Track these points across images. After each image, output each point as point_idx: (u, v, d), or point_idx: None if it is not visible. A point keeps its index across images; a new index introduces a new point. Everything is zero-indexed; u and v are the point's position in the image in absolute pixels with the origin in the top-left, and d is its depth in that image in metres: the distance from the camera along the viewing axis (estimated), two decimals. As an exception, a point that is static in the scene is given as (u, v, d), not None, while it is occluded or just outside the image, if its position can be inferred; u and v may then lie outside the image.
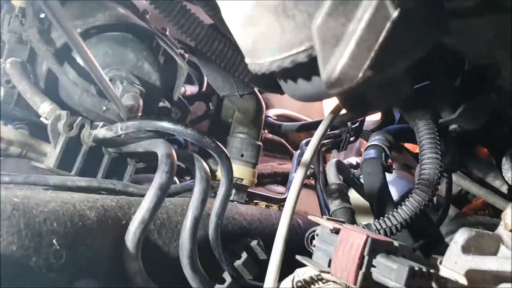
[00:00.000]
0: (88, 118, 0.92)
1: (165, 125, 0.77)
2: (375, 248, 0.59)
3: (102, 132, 0.89)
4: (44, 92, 0.97)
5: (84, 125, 0.90)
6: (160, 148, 0.79)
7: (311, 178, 1.55)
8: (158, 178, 0.74)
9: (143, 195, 0.75)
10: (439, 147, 0.81)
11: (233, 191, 1.11)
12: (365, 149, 1.09)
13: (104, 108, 0.93)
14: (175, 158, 0.77)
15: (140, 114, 0.96)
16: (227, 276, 0.82)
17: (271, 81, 0.63)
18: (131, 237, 0.71)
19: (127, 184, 0.88)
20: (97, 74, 0.83)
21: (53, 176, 0.83)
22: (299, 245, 0.81)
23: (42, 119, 0.94)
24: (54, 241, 0.62)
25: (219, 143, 0.79)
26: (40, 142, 0.95)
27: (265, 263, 0.78)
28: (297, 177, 0.81)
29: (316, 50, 0.43)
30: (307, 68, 0.47)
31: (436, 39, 0.55)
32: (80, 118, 0.90)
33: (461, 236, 0.64)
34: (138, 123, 0.82)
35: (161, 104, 1.05)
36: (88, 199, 0.73)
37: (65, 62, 0.99)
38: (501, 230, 0.64)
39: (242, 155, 1.16)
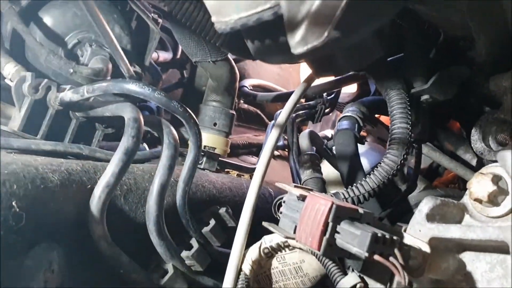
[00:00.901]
0: (55, 81, 0.90)
1: (132, 87, 0.75)
2: (340, 215, 0.59)
3: (68, 95, 0.86)
4: (9, 53, 0.94)
5: (50, 88, 0.87)
6: (127, 112, 0.77)
7: (286, 149, 1.55)
8: (124, 142, 0.73)
9: (109, 161, 0.74)
10: (409, 117, 0.81)
11: (204, 159, 1.10)
12: (339, 120, 1.09)
13: (71, 70, 0.90)
14: (142, 123, 0.76)
15: (109, 78, 0.94)
16: (194, 243, 0.82)
17: (240, 44, 0.62)
18: (95, 201, 0.70)
19: (94, 149, 0.86)
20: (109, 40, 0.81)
21: (17, 139, 0.81)
22: (269, 214, 0.81)
23: (6, 80, 0.91)
24: (13, 203, 0.60)
25: (187, 108, 0.77)
26: (5, 105, 0.92)
27: (233, 230, 0.78)
28: (267, 144, 0.81)
29: (282, 7, 0.42)
30: (273, 27, 0.46)
31: (402, 5, 0.54)
32: (46, 80, 0.87)
33: (426, 205, 0.64)
34: (104, 85, 0.79)
35: (131, 68, 1.03)
36: (52, 163, 0.72)
37: (31, 22, 0.96)
38: (466, 199, 0.65)
39: (215, 124, 1.14)
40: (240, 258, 0.76)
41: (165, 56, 1.32)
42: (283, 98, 1.52)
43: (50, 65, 0.90)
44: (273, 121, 1.38)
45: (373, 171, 0.79)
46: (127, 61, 0.89)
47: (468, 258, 0.61)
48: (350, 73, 1.23)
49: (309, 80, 0.82)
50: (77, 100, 0.84)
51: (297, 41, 0.42)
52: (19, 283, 0.62)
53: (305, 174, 1.04)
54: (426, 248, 0.61)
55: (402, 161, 0.78)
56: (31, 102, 0.86)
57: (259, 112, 1.74)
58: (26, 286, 0.62)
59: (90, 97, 0.84)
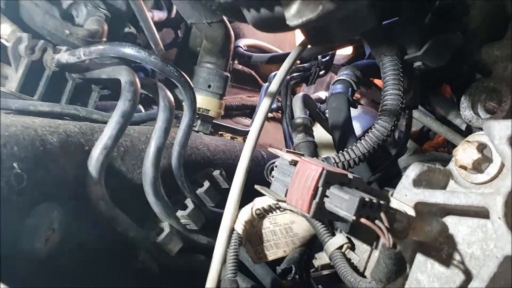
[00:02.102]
0: (51, 42, 0.90)
1: (128, 51, 0.76)
2: (330, 180, 0.61)
3: (65, 56, 0.86)
4: (4, 13, 0.93)
5: (46, 49, 0.88)
6: (123, 75, 0.78)
7: (279, 111, 1.56)
8: (121, 105, 0.74)
9: (106, 122, 0.75)
10: (402, 83, 0.82)
11: (198, 122, 1.12)
12: (333, 84, 1.10)
13: (67, 32, 0.90)
14: (139, 86, 0.77)
15: (104, 39, 0.94)
16: (189, 203, 0.85)
17: (236, 9, 0.62)
18: (93, 162, 0.72)
19: (91, 110, 0.87)
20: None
21: (15, 100, 0.82)
22: (261, 176, 0.83)
23: (2, 41, 0.90)
24: (14, 164, 0.62)
25: (182, 72, 0.78)
26: (2, 64, 0.93)
27: (227, 192, 0.81)
28: (261, 108, 0.82)
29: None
30: (269, -2, 0.47)
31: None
32: (42, 41, 0.87)
33: (412, 171, 0.66)
34: (101, 48, 0.80)
35: (126, 29, 1.03)
36: (50, 124, 0.73)
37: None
38: (451, 165, 0.67)
39: (209, 86, 1.15)
40: (233, 218, 0.79)
41: (160, 15, 1.31)
42: (278, 59, 1.52)
43: (46, 26, 0.90)
44: (267, 84, 1.39)
45: (364, 137, 0.81)
46: (158, 37, 0.89)
47: (451, 222, 0.64)
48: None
49: (304, 43, 0.83)
50: (73, 62, 0.85)
51: (293, 14, 0.43)
52: (22, 241, 0.64)
53: (298, 138, 1.05)
54: (411, 212, 0.64)
55: (393, 127, 0.80)
56: (27, 63, 0.86)
57: (253, 73, 1.73)
58: (28, 244, 0.65)
59: (86, 59, 0.85)
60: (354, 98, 1.09)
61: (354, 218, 0.56)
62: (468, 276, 0.61)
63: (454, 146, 1.20)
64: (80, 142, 0.75)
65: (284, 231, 0.82)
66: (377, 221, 0.58)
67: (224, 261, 0.77)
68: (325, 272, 1.09)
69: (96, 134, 0.78)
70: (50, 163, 0.68)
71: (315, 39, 0.64)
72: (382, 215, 0.58)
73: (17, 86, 0.85)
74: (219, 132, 1.30)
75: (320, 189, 0.61)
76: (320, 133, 1.22)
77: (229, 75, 1.20)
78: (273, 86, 0.82)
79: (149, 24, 0.87)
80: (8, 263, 0.60)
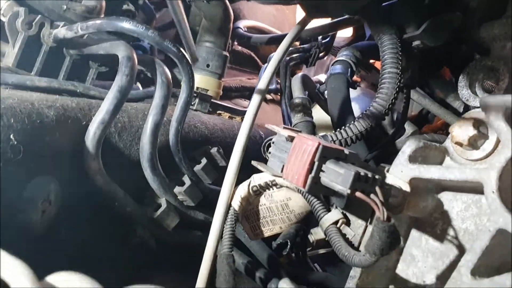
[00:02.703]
0: (48, 18, 0.89)
1: (125, 25, 0.75)
2: (326, 155, 0.62)
3: (62, 32, 0.86)
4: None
5: (43, 24, 0.87)
6: (120, 50, 0.78)
7: (278, 93, 1.56)
8: (118, 80, 0.74)
9: (104, 99, 0.75)
10: (400, 62, 0.82)
11: (197, 100, 1.12)
12: (332, 64, 1.10)
13: (65, 7, 0.89)
14: (136, 61, 0.76)
15: (102, 15, 0.93)
16: (186, 180, 0.85)
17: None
18: (91, 137, 0.72)
19: (88, 86, 0.87)
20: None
21: (12, 75, 0.81)
22: (258, 155, 0.83)
23: (-1, 16, 0.90)
24: (11, 136, 0.62)
25: (180, 48, 0.78)
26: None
27: (224, 169, 0.81)
28: (259, 85, 0.82)
29: None
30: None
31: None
32: (39, 16, 0.87)
33: (409, 147, 0.67)
34: (98, 23, 0.79)
35: (124, 6, 1.02)
36: (47, 99, 0.73)
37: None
38: (448, 142, 0.67)
39: (207, 65, 1.15)
40: (230, 195, 0.79)
41: (158, -6, 1.30)
42: (277, 40, 1.51)
43: (43, 1, 0.89)
44: (266, 64, 1.38)
45: (362, 115, 0.81)
46: (193, 43, 0.89)
47: (446, 197, 0.64)
48: (344, 16, 1.22)
49: (303, 22, 0.82)
50: (70, 37, 0.84)
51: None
52: (19, 213, 0.65)
53: (296, 118, 1.05)
54: (407, 188, 0.64)
55: (391, 106, 0.80)
56: (24, 38, 0.85)
57: (252, 54, 1.73)
58: (25, 216, 0.65)
59: (83, 35, 0.84)
60: (354, 80, 1.09)
61: (349, 191, 0.57)
62: (462, 250, 0.61)
63: (452, 128, 1.20)
64: (77, 117, 0.75)
65: (280, 207, 0.83)
66: (372, 195, 0.58)
67: (220, 237, 0.78)
68: (321, 251, 1.10)
69: (94, 110, 0.78)
70: (47, 136, 0.68)
71: (313, 11, 0.64)
72: (377, 189, 0.59)
73: (14, 61, 0.85)
74: (218, 112, 1.30)
75: (316, 163, 0.61)
76: (318, 114, 1.22)
77: (228, 54, 1.19)
78: (272, 62, 0.82)
79: (187, 31, 0.86)
80: (4, 235, 0.61)
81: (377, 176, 0.59)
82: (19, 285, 0.31)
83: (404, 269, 0.69)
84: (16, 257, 0.33)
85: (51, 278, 0.35)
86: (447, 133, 1.39)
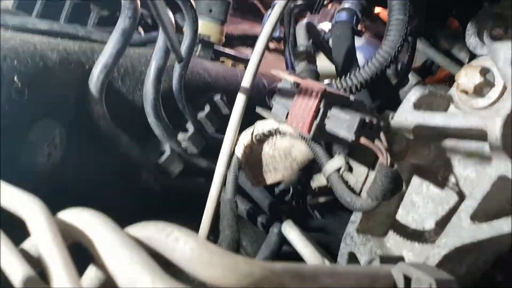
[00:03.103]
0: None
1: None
2: (331, 101, 0.61)
3: (62, -27, 0.84)
4: None
5: (43, -35, 0.85)
6: (123, -8, 0.76)
7: (281, 41, 1.53)
8: (121, 23, 0.73)
9: (106, 43, 0.74)
10: (407, 9, 0.80)
11: (199, 47, 1.10)
12: (337, 12, 1.08)
13: None
14: (139, 4, 0.75)
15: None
16: (190, 126, 0.85)
17: None
18: (94, 81, 0.72)
19: (90, 30, 0.86)
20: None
21: (12, 17, 0.80)
22: (262, 104, 0.83)
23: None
24: (15, 78, 0.62)
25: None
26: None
27: (227, 117, 0.81)
28: (263, 32, 0.81)
29: None
30: None
31: None
32: (38, -44, 0.85)
33: (414, 94, 0.66)
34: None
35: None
36: (50, 42, 0.72)
37: None
38: (453, 90, 0.67)
39: (210, 11, 1.12)
40: (233, 142, 0.80)
41: None
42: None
43: None
44: (269, 10, 1.36)
45: (367, 63, 0.80)
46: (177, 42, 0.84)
47: (449, 145, 0.64)
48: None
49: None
50: (71, -23, 0.82)
51: None
52: (24, 156, 0.65)
53: (300, 66, 1.04)
54: (410, 135, 0.64)
55: (397, 53, 0.79)
56: (23, -21, 0.84)
57: (255, 1, 1.69)
58: (31, 159, 0.65)
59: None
60: (358, 29, 1.07)
61: (354, 138, 0.57)
62: (462, 197, 0.62)
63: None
64: (80, 61, 0.74)
65: (283, 155, 0.83)
66: (376, 141, 0.58)
67: (223, 184, 0.79)
68: (322, 199, 1.12)
69: (96, 54, 0.77)
70: (50, 79, 0.68)
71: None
72: (382, 136, 0.59)
73: (14, 2, 0.83)
74: (220, 59, 1.28)
75: (322, 110, 0.61)
76: (322, 64, 1.21)
77: (230, 0, 1.17)
78: (276, 9, 0.80)
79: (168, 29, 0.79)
80: (11, 177, 0.61)
81: (382, 123, 0.59)
82: (34, 220, 0.32)
83: (403, 215, 0.70)
84: (29, 193, 0.34)
85: (63, 215, 0.36)
86: (451, 85, 1.38)
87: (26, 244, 0.34)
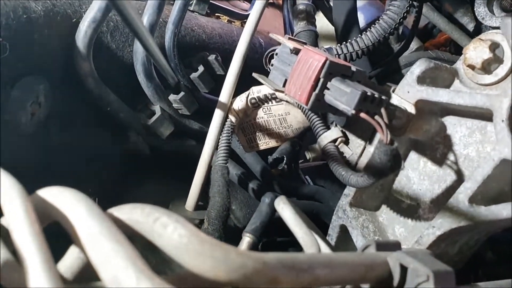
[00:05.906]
0: None
1: None
2: (332, 71, 0.58)
3: None
4: None
5: None
6: None
7: (280, -3, 1.47)
8: (111, -26, 0.68)
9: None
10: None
11: (194, 1, 1.05)
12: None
13: None
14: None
15: None
16: (182, 87, 0.82)
17: None
18: (82, 36, 0.67)
19: (78, -21, 0.80)
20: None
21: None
22: (258, 65, 0.79)
23: None
24: (-4, 32, 0.58)
25: None
26: None
27: (222, 78, 0.78)
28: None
29: None
30: None
31: None
32: None
33: (418, 67, 0.63)
34: None
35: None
36: (33, -8, 0.67)
37: None
38: (459, 64, 0.64)
39: (206, -39, 1.06)
40: (227, 105, 0.77)
41: None
42: None
43: None
44: (269, -35, 1.29)
45: (370, 28, 0.77)
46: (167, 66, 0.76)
47: (450, 122, 0.62)
48: None
49: None
50: None
51: None
52: (7, 114, 0.62)
53: (299, 26, 1.00)
54: (412, 109, 0.62)
55: (402, 20, 0.76)
56: None
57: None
58: (14, 117, 0.62)
59: None
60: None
61: (353, 112, 0.54)
62: (460, 176, 0.61)
63: (457, 45, 1.16)
64: (67, 13, 0.70)
65: (278, 121, 0.81)
66: (376, 117, 0.56)
67: (216, 148, 0.77)
68: (314, 163, 1.11)
69: (85, 7, 0.72)
70: (34, 33, 0.63)
71: None
72: (383, 110, 0.57)
73: None
74: (216, 14, 1.23)
75: (322, 80, 0.58)
76: (321, 23, 1.16)
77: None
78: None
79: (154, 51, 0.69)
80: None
81: (383, 97, 0.57)
82: (7, 201, 0.30)
83: (398, 190, 0.68)
84: (4, 171, 0.31)
85: (43, 193, 0.33)
86: (450, 50, 1.35)
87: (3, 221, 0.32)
